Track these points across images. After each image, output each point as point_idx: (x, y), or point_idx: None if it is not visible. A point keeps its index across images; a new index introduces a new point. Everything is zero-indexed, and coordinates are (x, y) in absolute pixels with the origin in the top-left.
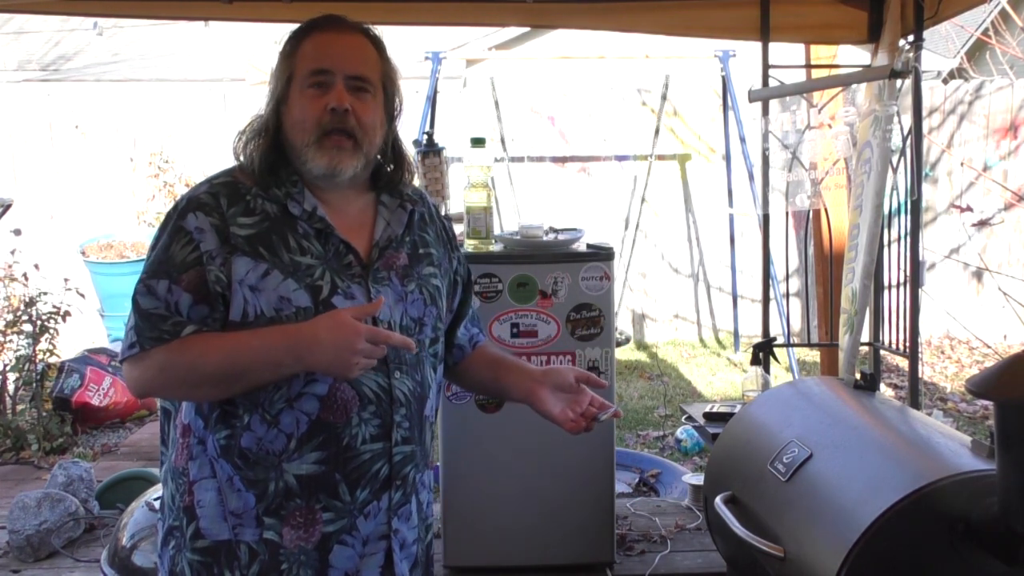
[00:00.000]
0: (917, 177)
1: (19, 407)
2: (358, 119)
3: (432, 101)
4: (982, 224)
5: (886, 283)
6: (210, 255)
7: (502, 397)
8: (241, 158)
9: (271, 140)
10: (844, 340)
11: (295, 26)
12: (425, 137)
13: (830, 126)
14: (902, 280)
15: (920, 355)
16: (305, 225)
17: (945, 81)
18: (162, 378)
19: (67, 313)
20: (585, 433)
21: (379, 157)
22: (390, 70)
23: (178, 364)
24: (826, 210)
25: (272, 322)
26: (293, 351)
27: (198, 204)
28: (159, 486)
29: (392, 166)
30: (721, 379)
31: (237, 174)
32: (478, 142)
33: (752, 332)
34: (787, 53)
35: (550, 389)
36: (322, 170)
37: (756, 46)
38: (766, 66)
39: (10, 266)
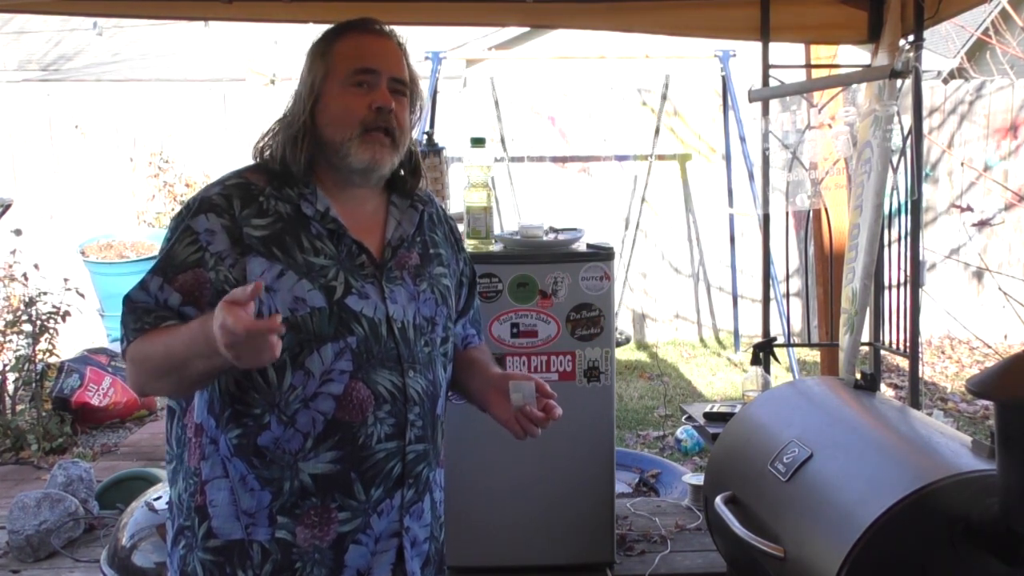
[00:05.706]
0: (917, 177)
1: (19, 407)
2: (398, 120)
3: (432, 101)
4: (982, 224)
5: (886, 283)
6: (218, 257)
7: (467, 400)
8: (266, 155)
9: (308, 136)
10: (844, 340)
11: (295, 26)
12: (425, 137)
13: (830, 126)
14: (902, 280)
15: (920, 355)
16: (318, 226)
17: (945, 81)
18: (134, 371)
19: (67, 313)
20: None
21: None
22: (416, 76)
23: (140, 358)
24: (826, 210)
25: (287, 322)
26: (209, 339)
27: (210, 205)
28: (159, 486)
29: (408, 168)
30: (721, 379)
31: (248, 174)
32: (478, 142)
33: (752, 332)
34: (787, 53)
35: (504, 394)
36: (363, 164)
37: (756, 46)
38: (766, 66)
39: (10, 266)
